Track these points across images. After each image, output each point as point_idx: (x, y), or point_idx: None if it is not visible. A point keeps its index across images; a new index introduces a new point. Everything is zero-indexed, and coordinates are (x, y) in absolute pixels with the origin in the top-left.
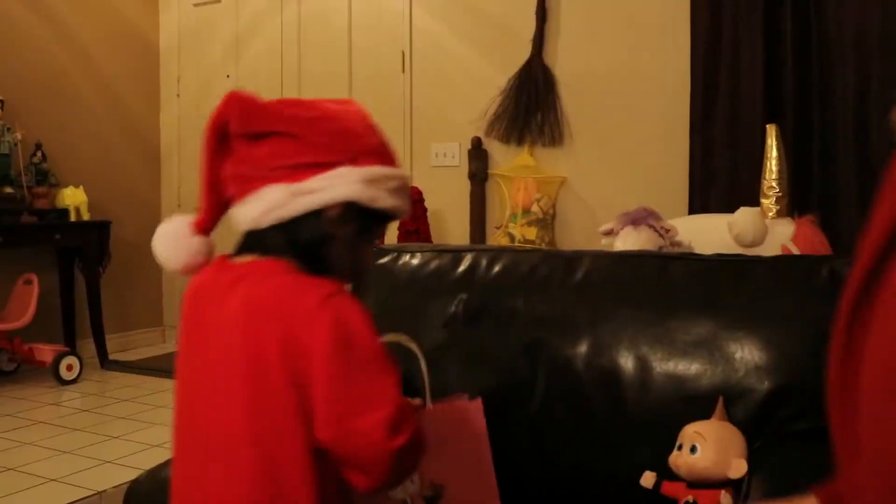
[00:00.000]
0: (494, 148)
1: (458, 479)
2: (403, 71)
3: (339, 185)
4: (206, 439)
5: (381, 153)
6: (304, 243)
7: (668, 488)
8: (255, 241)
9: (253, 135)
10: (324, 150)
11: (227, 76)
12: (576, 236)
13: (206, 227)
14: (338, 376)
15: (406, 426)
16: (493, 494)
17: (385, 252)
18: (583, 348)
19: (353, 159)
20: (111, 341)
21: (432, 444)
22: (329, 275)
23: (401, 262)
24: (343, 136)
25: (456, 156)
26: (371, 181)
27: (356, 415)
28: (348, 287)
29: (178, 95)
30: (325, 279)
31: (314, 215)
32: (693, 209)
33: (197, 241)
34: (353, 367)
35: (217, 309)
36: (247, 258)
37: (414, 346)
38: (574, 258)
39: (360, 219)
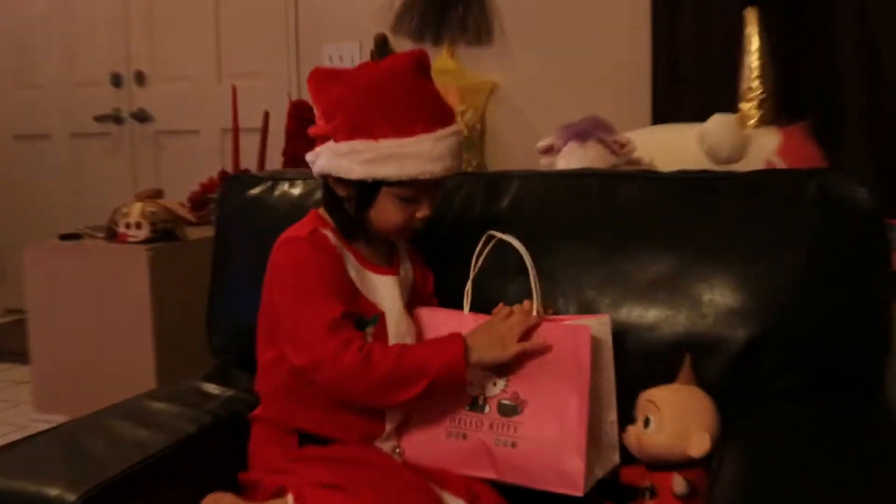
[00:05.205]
0: (404, 47)
1: (544, 406)
2: None
3: (320, 158)
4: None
5: (366, 124)
6: (324, 199)
7: (627, 474)
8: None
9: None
10: (324, 124)
11: None
12: (511, 157)
13: None
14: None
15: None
16: (575, 437)
17: (258, 181)
18: (509, 293)
19: (337, 133)
20: None
21: (535, 359)
22: (362, 227)
23: (277, 192)
24: (338, 111)
25: (355, 58)
26: (342, 155)
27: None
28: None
29: None
30: (312, 223)
31: (322, 178)
32: (658, 119)
33: None
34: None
35: None
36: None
37: (524, 253)
38: (497, 180)
39: (356, 186)
